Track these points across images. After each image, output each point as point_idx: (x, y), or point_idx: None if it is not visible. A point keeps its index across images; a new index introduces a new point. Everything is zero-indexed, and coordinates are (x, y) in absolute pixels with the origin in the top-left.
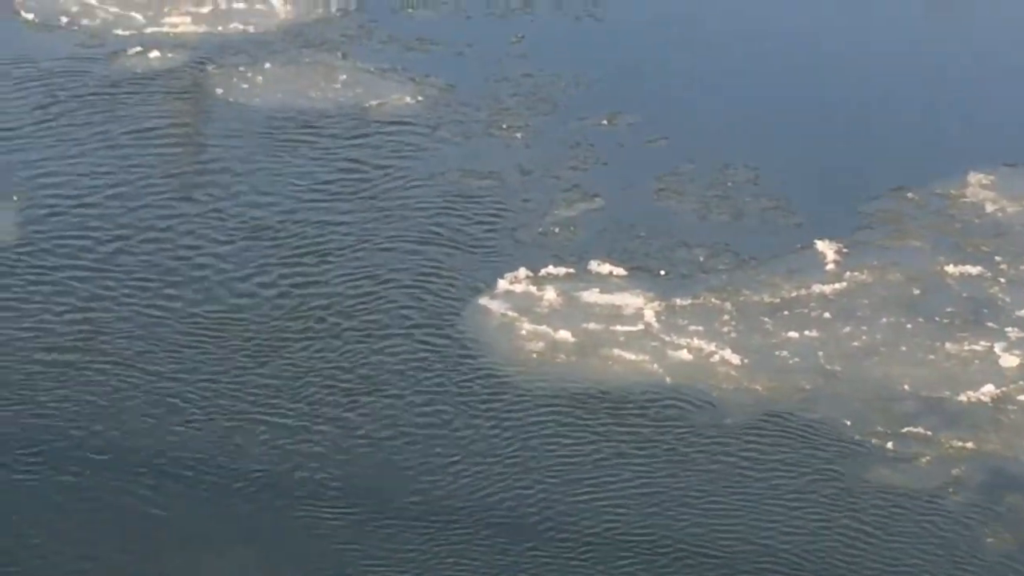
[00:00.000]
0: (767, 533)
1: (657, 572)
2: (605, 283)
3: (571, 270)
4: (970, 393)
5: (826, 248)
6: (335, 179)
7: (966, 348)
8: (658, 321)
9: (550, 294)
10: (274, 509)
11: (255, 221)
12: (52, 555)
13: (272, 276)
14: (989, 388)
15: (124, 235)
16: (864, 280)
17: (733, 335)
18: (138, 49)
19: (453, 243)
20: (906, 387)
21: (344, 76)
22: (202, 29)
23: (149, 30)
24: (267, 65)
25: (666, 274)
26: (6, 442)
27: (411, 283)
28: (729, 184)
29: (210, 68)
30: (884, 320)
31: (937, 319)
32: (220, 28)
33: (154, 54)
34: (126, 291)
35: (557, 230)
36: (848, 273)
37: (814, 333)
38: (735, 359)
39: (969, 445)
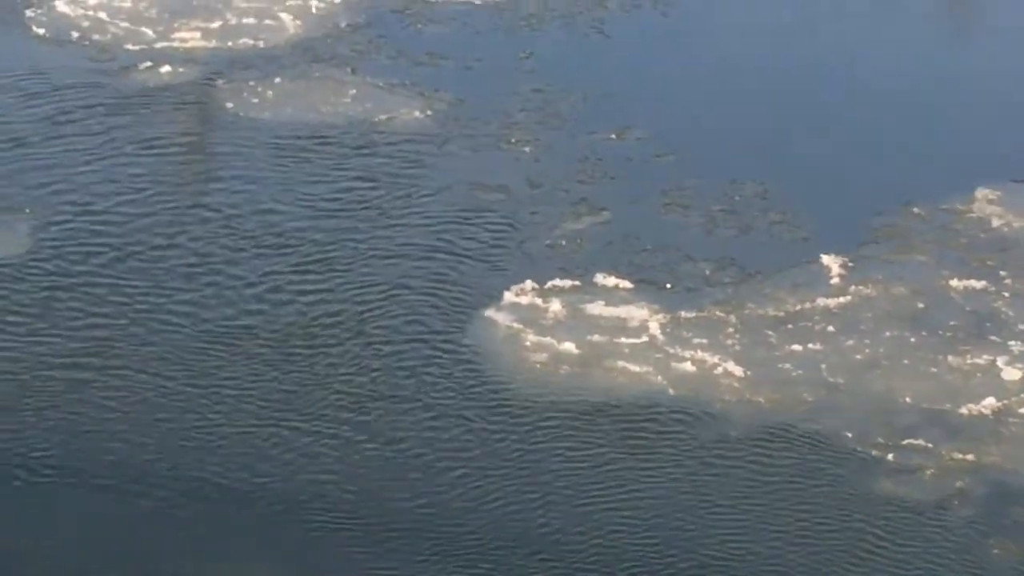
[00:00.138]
0: (771, 545)
1: None
2: (611, 296)
3: (577, 283)
4: (972, 406)
5: (831, 262)
6: (344, 192)
7: (968, 361)
8: (663, 333)
9: (556, 306)
10: (283, 519)
11: (265, 233)
12: (63, 564)
13: (281, 288)
14: (991, 401)
15: (135, 247)
16: (868, 294)
17: (737, 348)
18: (148, 64)
19: (461, 255)
20: (908, 400)
21: (354, 91)
22: (212, 44)
23: (159, 45)
24: (277, 80)
25: (671, 287)
26: (19, 452)
27: (419, 294)
28: (736, 198)
29: (220, 83)
30: (887, 333)
31: (940, 333)
32: (230, 43)
33: (164, 69)
34: (137, 302)
35: (564, 243)
36: (853, 287)
37: (818, 346)
38: (739, 371)
39: (971, 457)
